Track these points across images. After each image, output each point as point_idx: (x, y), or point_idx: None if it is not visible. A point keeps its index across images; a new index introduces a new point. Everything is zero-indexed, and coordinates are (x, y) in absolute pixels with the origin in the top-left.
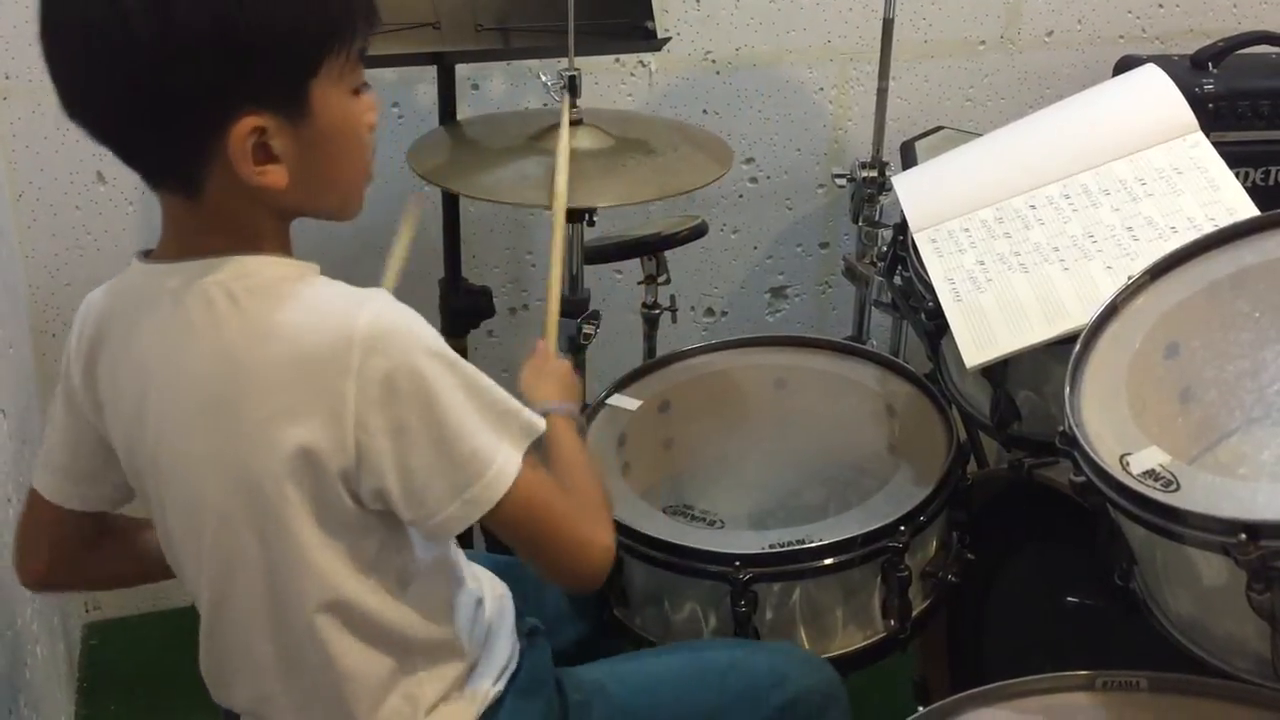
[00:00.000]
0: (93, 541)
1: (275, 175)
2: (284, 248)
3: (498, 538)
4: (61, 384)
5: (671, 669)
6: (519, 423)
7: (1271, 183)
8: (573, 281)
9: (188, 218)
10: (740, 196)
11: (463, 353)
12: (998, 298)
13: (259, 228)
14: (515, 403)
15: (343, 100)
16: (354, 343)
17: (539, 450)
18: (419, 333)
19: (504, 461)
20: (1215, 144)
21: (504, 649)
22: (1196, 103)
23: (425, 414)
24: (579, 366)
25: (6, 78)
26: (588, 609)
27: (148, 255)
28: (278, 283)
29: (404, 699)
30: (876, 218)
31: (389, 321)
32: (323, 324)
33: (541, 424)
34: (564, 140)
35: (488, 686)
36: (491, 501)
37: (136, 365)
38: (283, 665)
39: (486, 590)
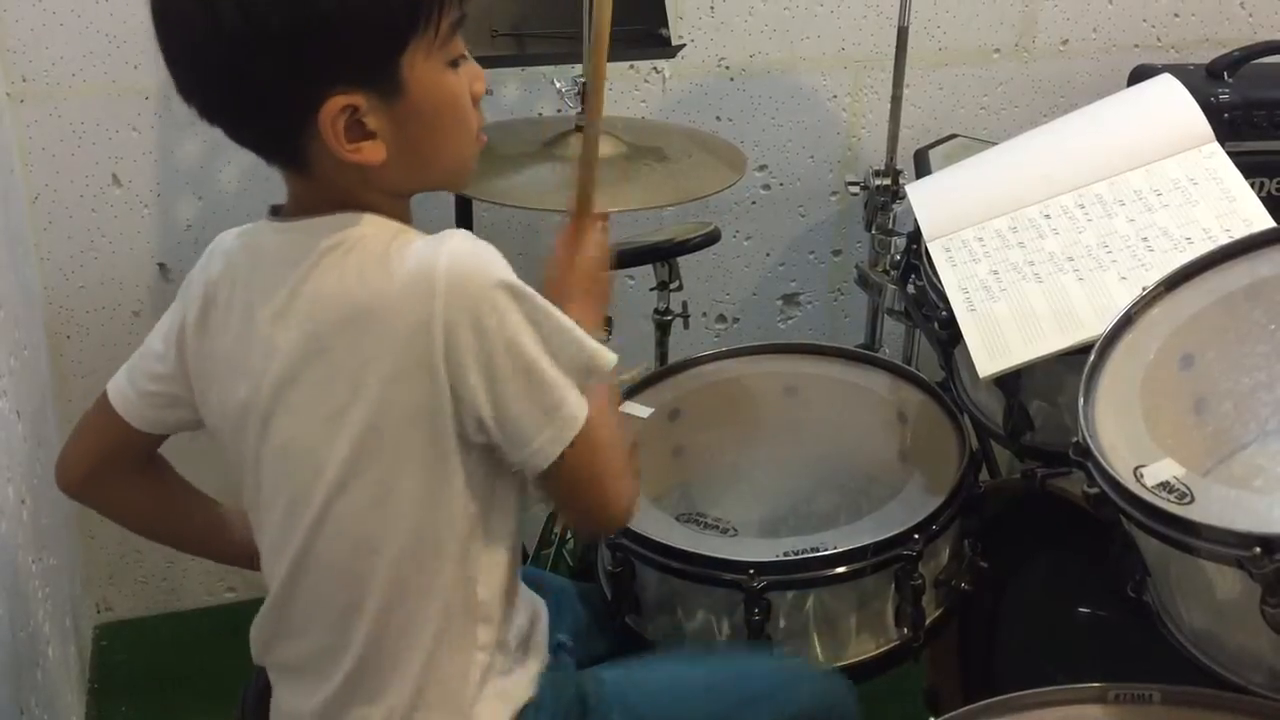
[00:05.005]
0: (135, 468)
1: (371, 151)
2: (397, 220)
3: (546, 487)
4: (174, 308)
5: (690, 677)
6: (581, 359)
7: None
8: None
9: (302, 188)
10: (753, 203)
11: None
12: (1012, 307)
13: (369, 202)
14: (579, 335)
15: (437, 74)
16: (436, 289)
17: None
18: (493, 270)
19: (575, 398)
20: (1231, 154)
21: (538, 657)
22: (1212, 112)
23: (510, 346)
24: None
25: (24, 80)
26: (611, 624)
27: (277, 211)
28: (371, 240)
29: (447, 675)
30: (890, 226)
31: (465, 261)
32: (406, 274)
33: (604, 360)
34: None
35: (524, 689)
36: (574, 431)
37: (245, 318)
38: (351, 617)
39: (527, 599)
